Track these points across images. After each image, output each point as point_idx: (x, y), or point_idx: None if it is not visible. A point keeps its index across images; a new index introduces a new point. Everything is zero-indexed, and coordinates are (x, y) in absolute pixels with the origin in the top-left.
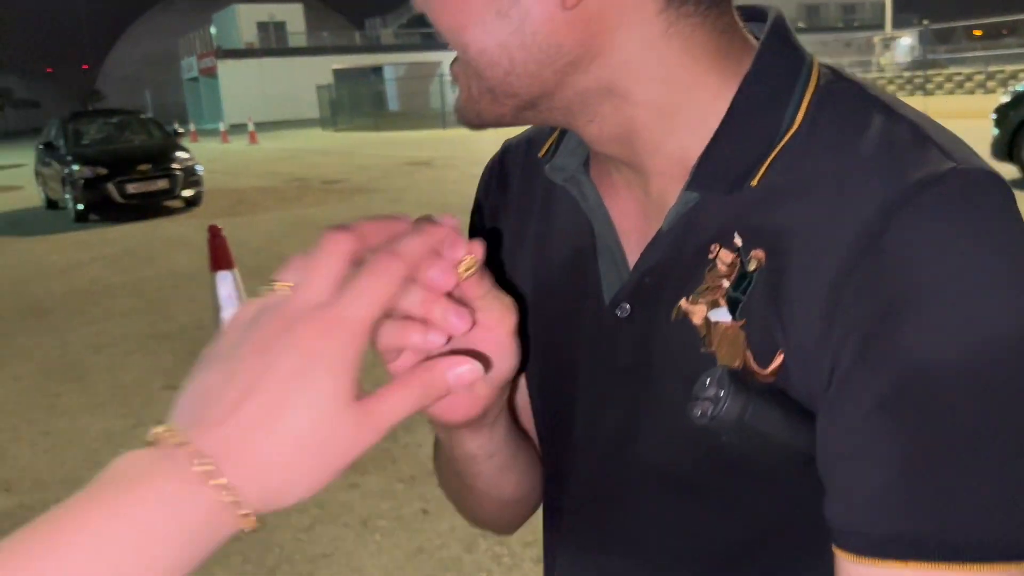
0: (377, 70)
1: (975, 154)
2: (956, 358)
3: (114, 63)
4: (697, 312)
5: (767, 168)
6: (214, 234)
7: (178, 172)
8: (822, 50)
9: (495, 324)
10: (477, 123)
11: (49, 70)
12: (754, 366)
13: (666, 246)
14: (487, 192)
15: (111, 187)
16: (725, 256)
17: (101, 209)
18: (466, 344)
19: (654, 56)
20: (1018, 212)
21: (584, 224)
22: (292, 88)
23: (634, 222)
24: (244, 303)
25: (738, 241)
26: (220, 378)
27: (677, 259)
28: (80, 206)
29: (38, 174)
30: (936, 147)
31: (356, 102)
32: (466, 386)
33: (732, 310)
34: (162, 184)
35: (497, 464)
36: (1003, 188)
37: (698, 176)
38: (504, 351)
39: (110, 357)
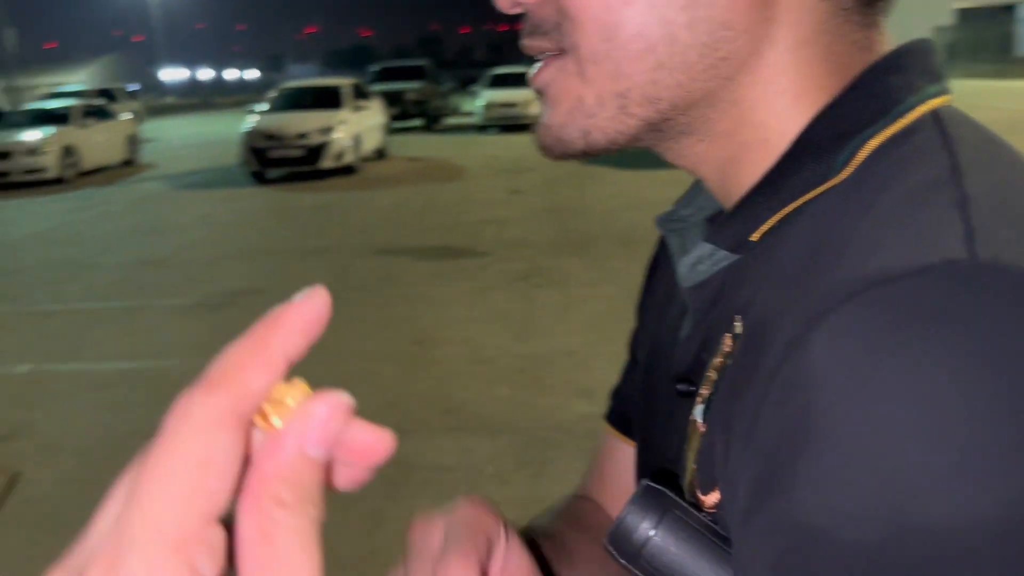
0: (1009, 8)
1: None
2: (856, 536)
3: None
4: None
5: (780, 224)
6: None
7: None
8: None
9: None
10: (579, 146)
11: None
12: (698, 492)
13: (700, 314)
14: (654, 254)
15: None
16: (727, 342)
17: None
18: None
19: (797, 60)
20: None
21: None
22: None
23: None
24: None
25: (738, 325)
26: None
27: (712, 333)
28: None
29: None
30: (966, 228)
31: (978, 46)
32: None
33: (706, 411)
34: None
35: None
36: None
37: (719, 224)
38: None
39: None
